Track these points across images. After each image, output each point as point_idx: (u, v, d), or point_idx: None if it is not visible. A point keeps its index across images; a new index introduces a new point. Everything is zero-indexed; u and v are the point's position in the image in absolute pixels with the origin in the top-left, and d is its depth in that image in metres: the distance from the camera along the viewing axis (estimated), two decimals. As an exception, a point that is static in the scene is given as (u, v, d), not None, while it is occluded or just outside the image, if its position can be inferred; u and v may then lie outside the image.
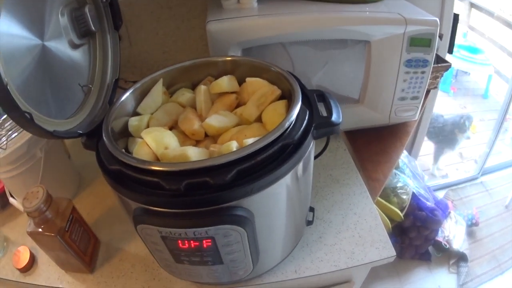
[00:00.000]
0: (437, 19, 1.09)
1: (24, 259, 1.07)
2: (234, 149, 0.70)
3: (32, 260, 1.09)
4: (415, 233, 2.34)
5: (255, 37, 1.08)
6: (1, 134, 1.05)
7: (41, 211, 0.89)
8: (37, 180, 1.11)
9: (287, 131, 0.71)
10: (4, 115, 1.13)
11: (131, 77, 1.36)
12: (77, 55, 0.95)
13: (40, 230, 0.92)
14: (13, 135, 1.04)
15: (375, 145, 1.51)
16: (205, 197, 0.64)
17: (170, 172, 0.64)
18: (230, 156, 0.63)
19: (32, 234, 0.93)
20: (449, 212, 2.57)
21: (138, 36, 1.53)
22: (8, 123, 1.08)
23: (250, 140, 0.70)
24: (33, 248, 1.09)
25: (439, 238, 2.50)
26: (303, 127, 0.74)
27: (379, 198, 2.01)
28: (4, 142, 1.02)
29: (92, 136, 0.83)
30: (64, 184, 1.26)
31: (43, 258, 1.09)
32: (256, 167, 0.66)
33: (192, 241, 0.71)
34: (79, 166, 1.37)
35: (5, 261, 1.11)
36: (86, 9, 0.92)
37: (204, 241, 0.71)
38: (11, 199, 1.17)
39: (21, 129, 1.05)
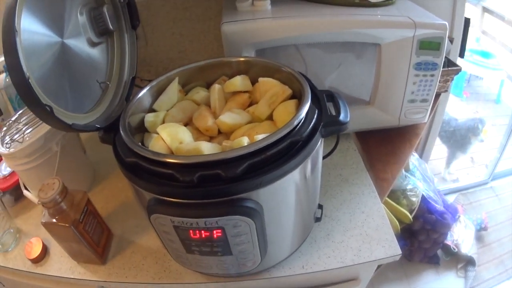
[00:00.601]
0: (446, 23, 1.09)
1: (36, 250, 1.09)
2: (245, 144, 0.72)
3: (44, 251, 1.11)
4: (424, 236, 2.34)
5: (268, 39, 1.10)
6: (18, 128, 1.08)
7: (56, 202, 0.92)
8: (53, 173, 1.13)
9: (296, 129, 0.73)
10: (20, 110, 1.16)
11: (147, 76, 1.39)
12: (96, 53, 0.98)
13: (54, 220, 0.94)
14: (30, 129, 1.08)
15: (384, 146, 1.51)
16: (216, 188, 0.67)
17: (184, 164, 0.67)
18: (242, 150, 0.66)
19: (46, 225, 0.96)
20: (459, 216, 2.56)
21: (154, 35, 1.56)
22: (25, 117, 1.12)
23: (260, 136, 0.72)
24: (46, 239, 1.11)
25: (448, 241, 2.49)
26: (311, 125, 0.76)
27: (388, 200, 2.02)
28: (21, 136, 1.05)
29: (109, 130, 0.86)
30: (78, 178, 1.29)
31: (55, 249, 1.12)
32: (266, 162, 0.69)
33: (203, 231, 0.74)
34: (94, 161, 1.40)
35: (17, 252, 1.14)
36: (104, 9, 0.95)
37: (214, 231, 0.73)
38: (25, 192, 1.20)
39: (38, 124, 1.09)
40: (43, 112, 0.71)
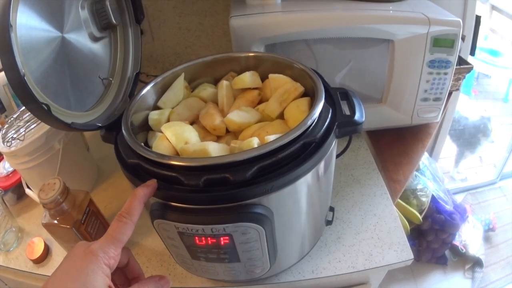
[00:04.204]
0: (460, 20, 1.07)
1: (38, 250, 1.07)
2: (256, 145, 0.69)
3: (46, 251, 1.09)
4: (432, 236, 2.33)
5: (278, 34, 1.07)
6: (20, 126, 1.06)
7: (57, 203, 0.89)
8: (55, 172, 1.11)
9: (309, 129, 0.69)
10: (22, 106, 1.13)
11: (153, 71, 1.36)
12: (98, 48, 0.95)
13: (55, 222, 0.92)
14: (32, 126, 1.05)
15: (396, 146, 1.49)
16: (224, 193, 0.63)
17: (190, 167, 0.63)
18: (251, 153, 0.62)
19: (47, 226, 0.94)
20: (467, 216, 2.54)
21: (161, 31, 1.53)
22: (27, 114, 1.09)
23: (271, 137, 0.68)
24: (48, 239, 1.09)
25: (456, 242, 2.48)
26: (325, 125, 0.72)
27: (398, 200, 2.00)
28: (22, 133, 1.02)
29: (111, 129, 0.83)
30: (82, 177, 1.27)
31: (57, 249, 1.09)
32: (277, 165, 0.65)
33: (209, 238, 0.70)
34: (98, 159, 1.38)
35: (19, 252, 1.12)
36: (107, 2, 0.91)
37: (221, 238, 0.69)
38: (27, 190, 1.18)
39: (40, 121, 1.06)
40: (40, 111, 0.68)
